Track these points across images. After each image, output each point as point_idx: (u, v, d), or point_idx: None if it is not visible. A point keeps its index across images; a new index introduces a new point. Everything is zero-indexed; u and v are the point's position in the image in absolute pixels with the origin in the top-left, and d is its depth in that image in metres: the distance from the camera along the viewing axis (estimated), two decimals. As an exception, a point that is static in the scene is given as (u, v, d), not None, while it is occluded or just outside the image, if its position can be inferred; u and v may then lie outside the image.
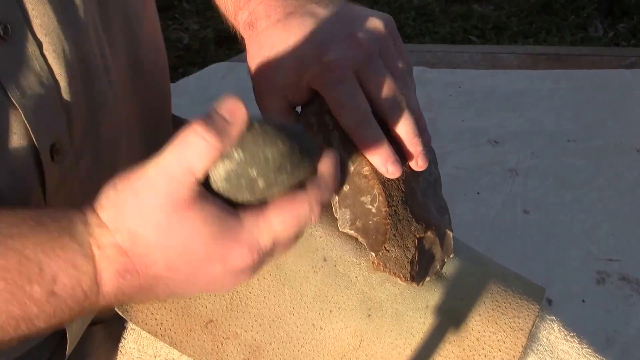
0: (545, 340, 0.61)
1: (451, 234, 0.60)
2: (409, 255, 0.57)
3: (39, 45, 0.50)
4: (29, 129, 0.49)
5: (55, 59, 0.51)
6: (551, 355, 0.60)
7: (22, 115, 0.49)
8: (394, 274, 0.57)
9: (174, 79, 2.11)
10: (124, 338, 0.64)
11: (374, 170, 0.56)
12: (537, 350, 0.60)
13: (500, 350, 0.58)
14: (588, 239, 1.49)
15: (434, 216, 0.60)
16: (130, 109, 0.60)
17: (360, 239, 0.57)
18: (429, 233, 0.59)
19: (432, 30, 2.49)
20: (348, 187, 0.57)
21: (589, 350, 0.61)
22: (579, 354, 0.60)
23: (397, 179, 0.56)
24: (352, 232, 0.57)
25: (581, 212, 1.56)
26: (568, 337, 0.61)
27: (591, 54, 2.13)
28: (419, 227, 0.58)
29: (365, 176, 0.56)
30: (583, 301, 1.35)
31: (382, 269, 0.57)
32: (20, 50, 0.49)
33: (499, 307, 0.60)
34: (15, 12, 0.49)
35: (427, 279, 0.59)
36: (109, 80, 0.56)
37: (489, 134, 1.80)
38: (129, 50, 0.60)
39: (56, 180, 0.52)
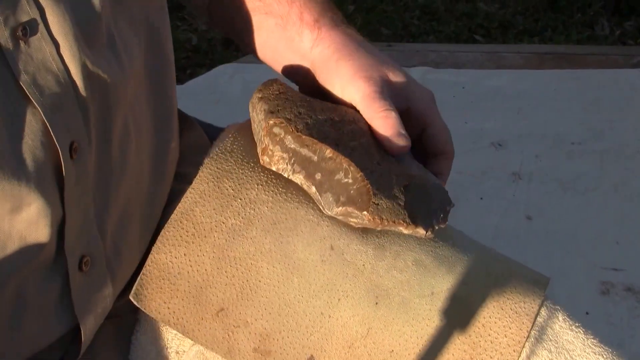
0: (549, 330, 0.61)
1: (443, 185, 0.62)
2: (400, 202, 0.59)
3: (56, 45, 0.52)
4: (49, 127, 0.51)
5: (71, 59, 0.52)
6: (556, 345, 0.60)
7: (42, 114, 0.51)
8: (393, 222, 0.58)
9: (182, 80, 2.13)
10: (136, 331, 0.65)
11: (335, 150, 0.59)
12: (542, 339, 0.60)
13: (506, 336, 0.59)
14: (592, 247, 1.47)
15: (415, 170, 0.62)
16: (141, 106, 0.61)
17: (349, 209, 0.58)
18: (414, 181, 0.60)
19: (437, 29, 2.48)
20: (319, 174, 0.60)
21: (594, 341, 0.61)
22: (584, 344, 0.61)
23: (364, 149, 0.60)
24: (340, 209, 0.59)
25: (586, 218, 1.54)
26: (573, 327, 0.62)
27: (598, 53, 2.12)
28: (400, 178, 0.60)
29: (330, 157, 0.59)
30: (587, 313, 1.33)
31: (379, 222, 0.58)
32: (38, 51, 0.51)
33: (504, 292, 0.61)
34: (34, 13, 0.50)
35: (436, 227, 0.60)
36: (124, 81, 0.58)
37: (493, 137, 1.78)
38: (143, 50, 0.61)
39: (74, 178, 0.54)
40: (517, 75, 1.99)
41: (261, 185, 0.63)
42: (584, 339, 0.61)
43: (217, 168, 0.64)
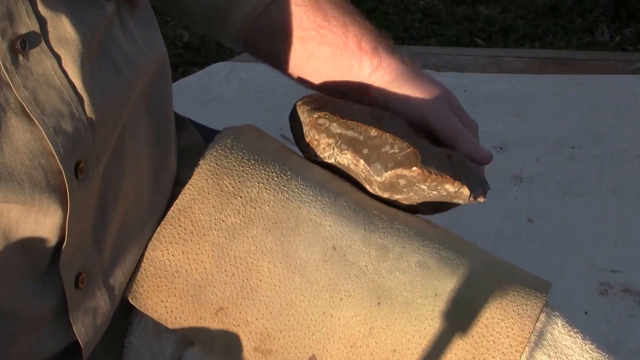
0: (549, 335, 0.61)
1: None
2: (446, 165, 0.63)
3: (58, 59, 0.50)
4: (51, 148, 0.49)
5: (75, 73, 0.50)
6: (555, 350, 0.60)
7: (43, 133, 0.49)
8: (441, 175, 0.62)
9: (174, 78, 2.07)
10: (129, 334, 0.64)
11: (380, 129, 0.64)
12: (541, 344, 0.61)
13: (508, 337, 0.59)
14: (592, 249, 1.48)
15: (454, 152, 0.66)
16: (138, 114, 0.60)
17: (398, 171, 0.63)
18: (455, 155, 0.65)
19: (438, 32, 2.49)
20: (366, 149, 0.64)
21: (592, 346, 0.61)
22: (582, 349, 0.61)
23: (404, 131, 0.66)
24: (389, 173, 0.63)
25: (585, 220, 1.55)
26: (572, 332, 0.62)
27: (597, 58, 2.12)
28: (442, 152, 0.65)
29: (375, 136, 0.64)
30: (586, 313, 1.34)
31: (428, 175, 0.62)
32: (38, 65, 0.49)
33: (507, 294, 0.61)
34: (33, 25, 0.48)
35: (480, 198, 0.64)
36: (126, 93, 0.56)
37: (494, 140, 1.78)
38: (146, 55, 0.60)
39: (79, 199, 0.52)
40: (518, 80, 2.00)
41: (262, 183, 0.62)
42: (582, 344, 0.61)
43: (217, 165, 0.63)
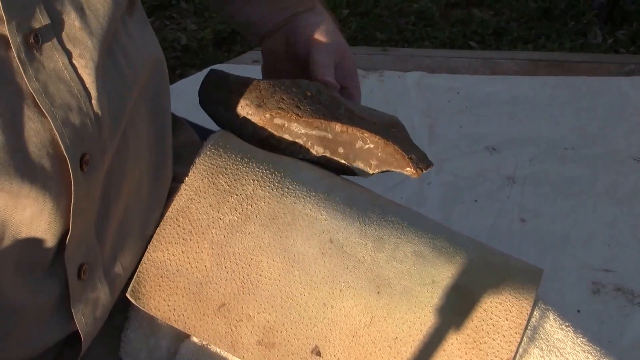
0: (541, 329, 0.62)
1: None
2: (418, 151, 0.68)
3: (68, 55, 0.51)
4: (59, 139, 0.51)
5: (85, 69, 0.52)
6: (547, 344, 0.61)
7: (52, 124, 0.50)
8: (426, 167, 0.67)
9: (171, 80, 2.08)
10: (126, 328, 0.65)
11: (342, 123, 0.67)
12: (533, 338, 0.62)
13: (507, 319, 0.60)
14: (584, 248, 1.49)
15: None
16: (138, 112, 0.61)
17: (387, 167, 0.67)
18: (397, 125, 0.70)
19: (432, 35, 2.50)
20: (341, 148, 0.67)
21: (584, 340, 0.62)
22: (573, 343, 0.62)
23: (348, 111, 0.69)
24: (377, 171, 0.67)
25: (578, 221, 1.56)
26: (563, 326, 0.63)
27: (590, 60, 2.13)
28: (388, 126, 0.69)
29: (342, 131, 0.67)
30: (578, 311, 1.35)
31: (420, 172, 0.67)
32: (50, 59, 0.50)
33: (503, 279, 0.62)
34: (46, 21, 0.50)
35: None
36: (128, 89, 0.58)
37: (487, 141, 1.79)
38: (145, 55, 0.61)
39: (84, 191, 0.54)
40: (512, 81, 2.01)
41: (257, 180, 0.63)
42: (573, 338, 0.62)
43: (212, 164, 0.64)
